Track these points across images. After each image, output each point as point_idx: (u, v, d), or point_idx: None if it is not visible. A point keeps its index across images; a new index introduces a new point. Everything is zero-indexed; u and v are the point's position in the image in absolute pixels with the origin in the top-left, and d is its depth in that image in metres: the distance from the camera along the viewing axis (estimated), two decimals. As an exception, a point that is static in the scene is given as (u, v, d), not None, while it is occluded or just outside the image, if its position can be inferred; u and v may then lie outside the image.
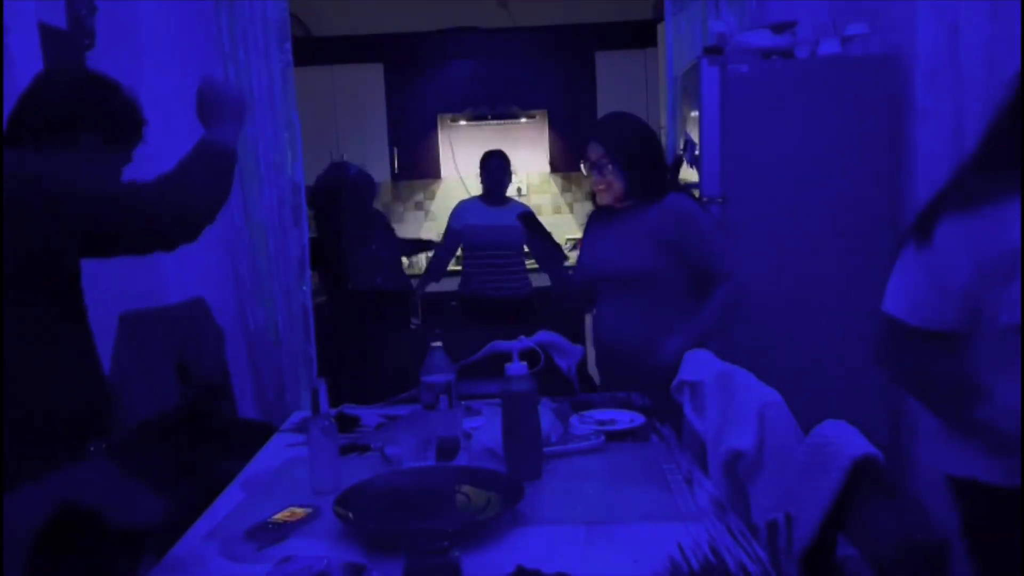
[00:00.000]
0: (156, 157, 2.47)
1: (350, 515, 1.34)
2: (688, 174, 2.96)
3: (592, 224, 2.41)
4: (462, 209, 4.13)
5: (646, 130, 2.28)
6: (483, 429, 1.80)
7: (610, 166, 2.21)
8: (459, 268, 4.37)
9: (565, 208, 5.87)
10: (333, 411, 2.03)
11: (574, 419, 1.85)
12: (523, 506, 1.37)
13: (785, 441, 1.48)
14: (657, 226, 2.17)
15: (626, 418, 1.85)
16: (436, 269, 4.31)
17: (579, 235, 3.97)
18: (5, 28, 2.06)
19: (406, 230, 5.63)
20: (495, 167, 4.10)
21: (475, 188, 5.70)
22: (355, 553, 1.25)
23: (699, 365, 1.83)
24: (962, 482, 1.46)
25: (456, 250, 4.26)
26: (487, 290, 4.00)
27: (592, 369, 2.65)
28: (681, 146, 3.11)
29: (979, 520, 1.45)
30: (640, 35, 5.33)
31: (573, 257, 4.18)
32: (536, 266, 4.14)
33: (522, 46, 5.62)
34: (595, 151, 2.23)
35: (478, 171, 4.15)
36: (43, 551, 1.18)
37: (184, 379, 2.64)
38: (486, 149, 4.17)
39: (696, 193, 2.80)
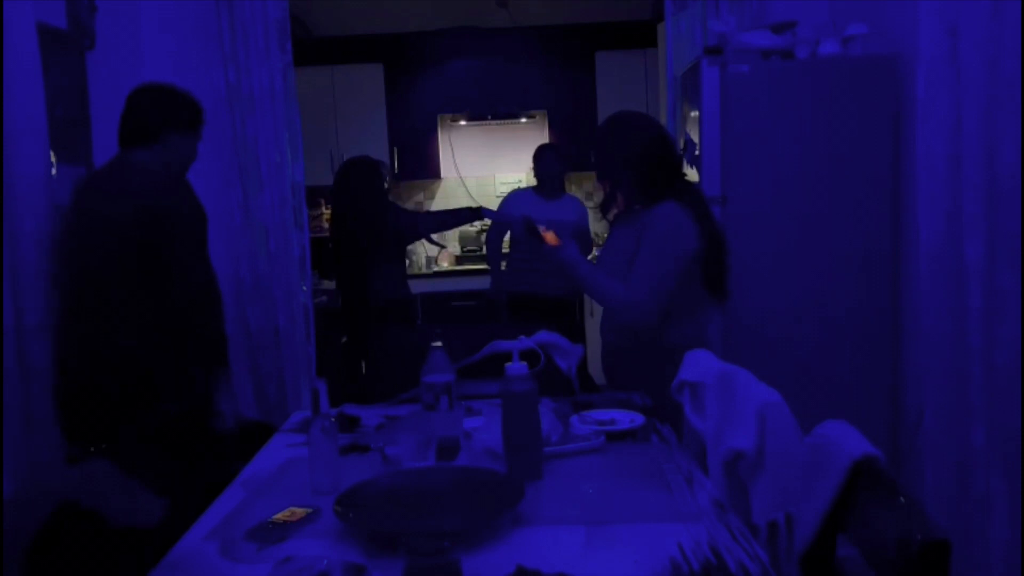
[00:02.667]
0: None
1: (350, 515, 1.34)
2: (688, 174, 2.96)
3: (613, 225, 2.42)
4: (515, 198, 4.07)
5: (643, 133, 2.23)
6: (483, 429, 1.80)
7: (603, 172, 2.29)
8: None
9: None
10: (333, 411, 2.03)
11: (574, 419, 1.85)
12: (523, 506, 1.36)
13: (785, 441, 1.48)
14: (639, 233, 2.17)
15: (626, 418, 1.85)
16: (495, 260, 4.23)
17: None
18: (5, 28, 2.06)
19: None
20: (550, 159, 4.07)
21: (475, 189, 5.73)
22: (355, 553, 1.25)
23: (699, 365, 1.83)
24: None
25: (504, 238, 4.21)
26: (536, 287, 3.90)
27: (594, 369, 2.65)
28: (681, 146, 3.11)
29: None
30: (640, 35, 5.33)
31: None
32: None
33: (522, 46, 5.62)
34: (595, 157, 2.31)
35: (531, 165, 4.14)
36: (43, 551, 1.18)
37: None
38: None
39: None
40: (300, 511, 1.40)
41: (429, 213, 4.01)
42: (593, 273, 2.22)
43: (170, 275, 2.10)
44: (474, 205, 3.76)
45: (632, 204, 2.26)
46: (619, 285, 2.15)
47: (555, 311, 3.90)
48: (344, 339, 3.69)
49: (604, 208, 2.34)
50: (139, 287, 2.09)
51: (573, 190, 5.81)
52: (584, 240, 3.93)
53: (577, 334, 4.34)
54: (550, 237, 2.24)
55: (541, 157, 4.11)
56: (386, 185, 3.71)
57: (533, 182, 4.23)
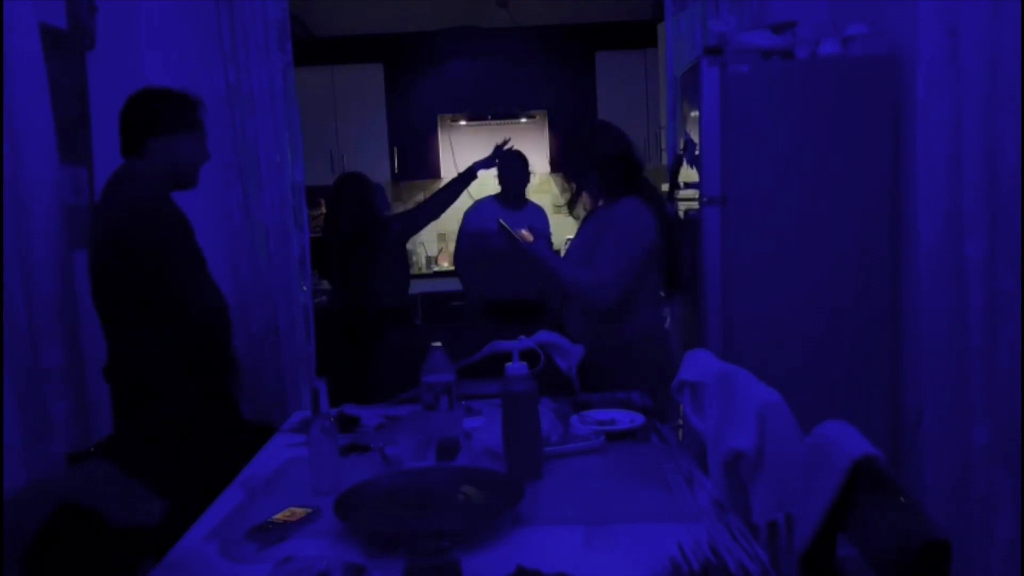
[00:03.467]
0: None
1: (350, 515, 1.34)
2: (688, 174, 2.96)
3: (580, 223, 2.68)
4: (476, 211, 4.00)
5: (606, 140, 2.47)
6: (483, 429, 1.80)
7: (571, 175, 2.56)
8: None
9: (565, 208, 5.86)
10: (333, 411, 2.03)
11: (574, 419, 1.85)
12: (523, 506, 1.36)
13: (785, 441, 1.48)
14: (602, 226, 2.41)
15: (626, 418, 1.86)
16: (468, 271, 4.17)
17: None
18: (5, 28, 2.06)
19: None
20: (512, 166, 3.97)
21: (474, 189, 5.72)
22: (355, 553, 1.25)
23: (699, 365, 1.83)
24: None
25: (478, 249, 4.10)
26: (505, 293, 3.87)
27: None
28: (681, 146, 3.11)
29: None
30: (640, 35, 5.34)
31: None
32: None
33: (522, 46, 5.62)
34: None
35: (495, 171, 4.01)
36: (43, 551, 1.17)
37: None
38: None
39: (697, 193, 2.80)
40: (300, 511, 1.40)
41: (424, 203, 3.94)
42: (561, 264, 2.48)
43: (157, 290, 2.06)
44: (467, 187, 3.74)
45: (596, 202, 2.52)
46: (584, 270, 2.38)
47: (531, 313, 3.87)
48: (343, 340, 3.69)
49: (570, 205, 2.62)
50: (127, 301, 2.09)
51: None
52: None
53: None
54: (524, 235, 2.53)
55: (506, 165, 3.98)
56: (387, 199, 3.72)
57: (537, 184, 4.19)
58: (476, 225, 3.92)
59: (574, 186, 2.57)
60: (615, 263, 2.34)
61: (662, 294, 2.59)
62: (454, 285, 5.28)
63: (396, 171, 5.58)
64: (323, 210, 5.40)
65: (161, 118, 2.17)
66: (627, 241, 2.35)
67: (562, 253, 4.41)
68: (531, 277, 3.99)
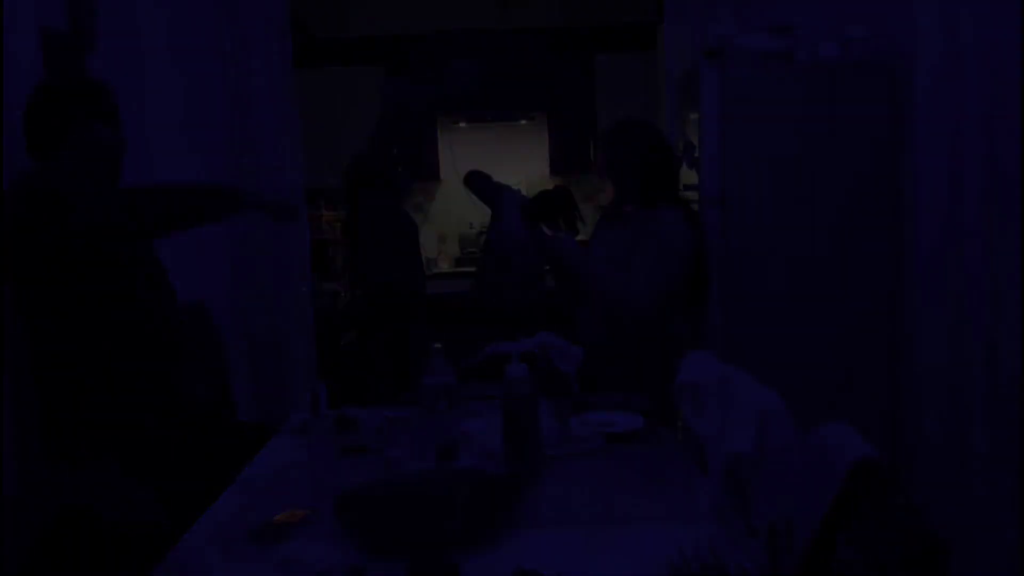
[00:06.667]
0: (155, 154, 2.46)
1: (350, 516, 1.34)
2: (688, 176, 2.96)
3: (599, 226, 2.48)
4: (511, 198, 3.92)
5: (649, 140, 2.29)
6: (483, 430, 1.80)
7: (608, 174, 2.33)
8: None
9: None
10: (333, 412, 2.03)
11: (574, 421, 1.85)
12: (523, 508, 1.36)
13: (784, 443, 1.48)
14: (638, 232, 2.24)
15: (626, 420, 1.86)
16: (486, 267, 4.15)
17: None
18: (5, 29, 2.06)
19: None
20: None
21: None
22: (355, 554, 1.25)
23: (699, 367, 1.82)
24: None
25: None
26: (525, 298, 3.81)
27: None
28: (681, 148, 3.11)
29: None
30: (640, 37, 5.34)
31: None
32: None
33: (522, 48, 5.62)
34: (600, 158, 2.37)
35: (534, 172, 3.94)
36: (43, 551, 1.18)
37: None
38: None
39: (697, 195, 2.80)
40: (300, 512, 1.40)
41: None
42: (593, 263, 2.28)
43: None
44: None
45: (629, 205, 2.32)
46: (619, 275, 2.21)
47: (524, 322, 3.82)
48: (345, 340, 3.69)
49: (616, 204, 2.38)
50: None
51: (573, 191, 5.80)
52: None
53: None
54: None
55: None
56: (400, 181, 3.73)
57: (537, 185, 4.15)
58: (509, 210, 3.81)
59: (613, 189, 2.39)
60: (654, 277, 2.18)
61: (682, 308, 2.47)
62: (455, 286, 5.29)
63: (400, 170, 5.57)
64: (323, 211, 5.42)
65: (80, 106, 1.96)
66: (667, 256, 2.20)
67: None
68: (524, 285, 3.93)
